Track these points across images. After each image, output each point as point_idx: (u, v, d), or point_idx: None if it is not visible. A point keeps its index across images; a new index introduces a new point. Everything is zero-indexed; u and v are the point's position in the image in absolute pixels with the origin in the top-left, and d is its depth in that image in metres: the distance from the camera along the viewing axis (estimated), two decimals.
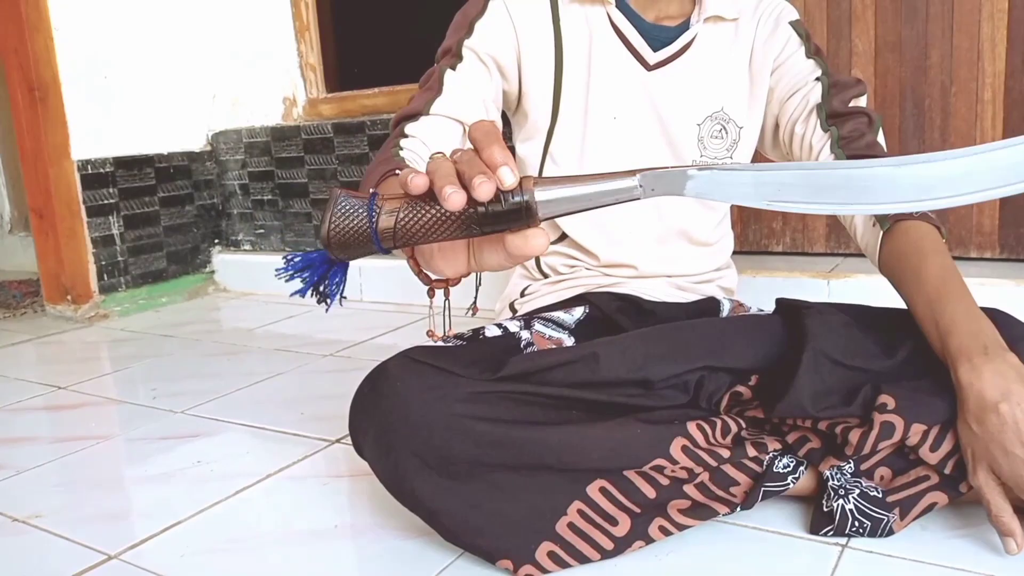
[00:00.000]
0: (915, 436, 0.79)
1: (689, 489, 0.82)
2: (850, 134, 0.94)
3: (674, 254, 1.06)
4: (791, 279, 1.56)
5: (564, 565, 0.79)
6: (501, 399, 0.79)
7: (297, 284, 0.59)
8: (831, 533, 0.82)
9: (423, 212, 0.52)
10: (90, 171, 2.17)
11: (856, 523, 0.81)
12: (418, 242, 0.53)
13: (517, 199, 0.51)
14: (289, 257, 0.58)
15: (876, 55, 1.60)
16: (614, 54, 1.00)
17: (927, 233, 0.87)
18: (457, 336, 0.90)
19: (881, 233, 0.90)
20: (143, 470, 1.16)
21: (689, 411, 0.86)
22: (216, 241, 2.53)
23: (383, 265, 1.70)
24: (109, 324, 2.17)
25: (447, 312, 0.63)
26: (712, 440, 0.83)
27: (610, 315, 0.99)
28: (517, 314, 1.07)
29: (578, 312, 1.00)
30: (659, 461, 0.80)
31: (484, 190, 0.49)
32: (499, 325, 0.95)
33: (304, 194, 2.35)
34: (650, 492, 0.81)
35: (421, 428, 0.77)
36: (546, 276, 1.09)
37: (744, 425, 0.87)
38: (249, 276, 2.45)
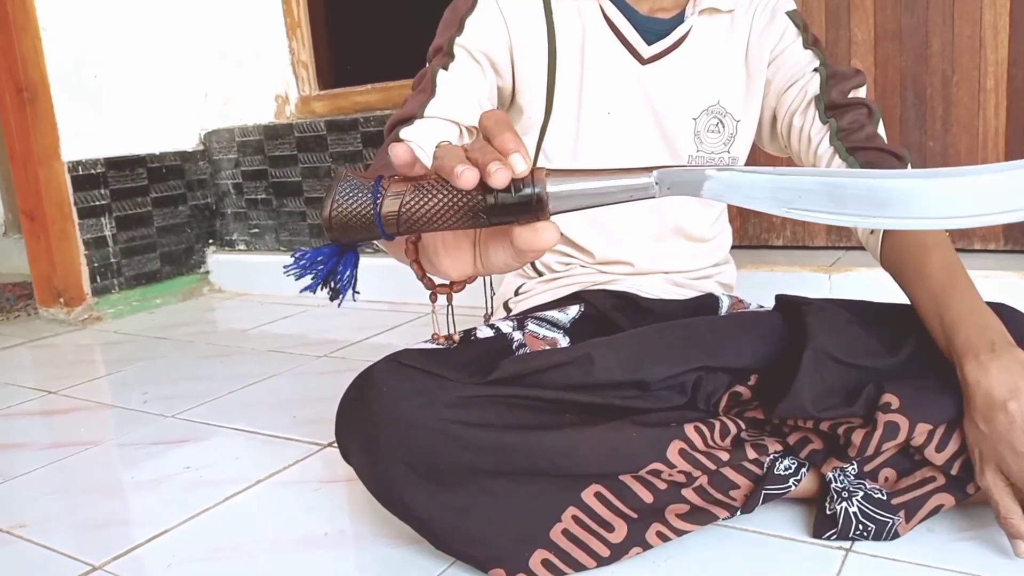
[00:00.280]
0: (920, 436, 0.77)
1: (687, 493, 0.80)
2: (849, 126, 0.92)
3: (671, 250, 1.04)
4: (792, 273, 1.55)
5: (559, 573, 0.78)
6: (492, 403, 0.77)
7: (306, 281, 0.56)
8: (834, 537, 0.81)
9: (429, 197, 0.50)
10: (81, 172, 2.15)
11: (860, 526, 0.79)
12: (422, 229, 0.51)
13: (528, 190, 0.48)
14: (297, 254, 0.56)
15: (876, 44, 1.58)
16: (608, 48, 0.97)
17: None
18: (447, 338, 0.88)
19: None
20: (132, 476, 1.14)
21: (687, 412, 0.85)
22: (210, 241, 2.51)
23: (378, 264, 1.68)
24: (102, 326, 2.15)
25: (450, 314, 0.60)
26: (711, 442, 0.81)
27: (606, 313, 0.97)
28: (511, 313, 1.05)
29: (573, 311, 0.98)
30: (656, 465, 0.78)
31: (500, 176, 0.45)
32: (491, 326, 0.93)
33: (298, 192, 2.33)
34: (647, 497, 0.79)
35: (409, 435, 0.75)
36: (540, 274, 1.07)
37: (744, 426, 0.86)
38: (244, 276, 2.43)
